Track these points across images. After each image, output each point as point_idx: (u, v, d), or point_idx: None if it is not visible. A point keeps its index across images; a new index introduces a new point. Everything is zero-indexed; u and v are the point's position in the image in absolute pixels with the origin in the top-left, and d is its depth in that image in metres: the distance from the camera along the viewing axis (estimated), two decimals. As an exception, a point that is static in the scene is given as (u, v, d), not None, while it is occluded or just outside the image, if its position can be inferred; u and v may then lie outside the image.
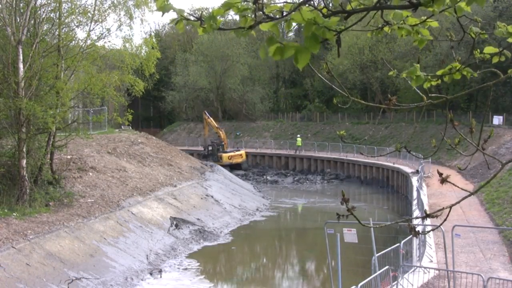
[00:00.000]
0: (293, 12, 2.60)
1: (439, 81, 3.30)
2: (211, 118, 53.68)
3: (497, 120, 41.94)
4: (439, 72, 3.31)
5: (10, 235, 17.54)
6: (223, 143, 50.75)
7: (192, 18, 2.75)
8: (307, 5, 2.66)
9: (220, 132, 51.63)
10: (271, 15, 2.71)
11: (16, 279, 15.50)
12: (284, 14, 2.66)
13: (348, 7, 2.77)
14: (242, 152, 51.08)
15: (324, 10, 2.72)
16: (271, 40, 2.59)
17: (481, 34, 3.28)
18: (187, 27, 2.79)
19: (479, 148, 2.95)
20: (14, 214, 19.49)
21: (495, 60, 3.29)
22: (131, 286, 18.15)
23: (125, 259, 19.93)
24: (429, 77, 3.26)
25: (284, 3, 2.75)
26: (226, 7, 2.66)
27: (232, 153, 49.69)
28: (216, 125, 52.86)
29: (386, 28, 3.11)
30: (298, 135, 55.51)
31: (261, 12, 2.63)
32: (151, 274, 19.60)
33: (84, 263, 18.23)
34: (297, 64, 2.54)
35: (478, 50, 3.38)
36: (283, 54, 2.58)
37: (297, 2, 2.71)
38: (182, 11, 2.71)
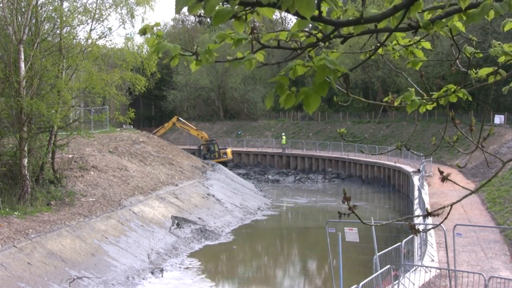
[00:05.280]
0: (300, 59, 2.56)
1: (435, 104, 3.28)
2: (184, 121, 54.42)
3: (498, 119, 41.85)
4: (435, 95, 3.29)
5: (12, 234, 17.56)
6: (215, 141, 51.72)
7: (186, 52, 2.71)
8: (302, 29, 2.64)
9: (203, 134, 52.95)
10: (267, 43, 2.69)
11: (18, 278, 15.53)
12: (289, 61, 2.63)
13: (345, 31, 2.74)
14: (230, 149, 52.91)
15: (319, 35, 2.70)
16: (281, 88, 2.54)
17: (476, 53, 3.27)
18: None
19: (478, 146, 2.95)
20: (15, 213, 19.52)
21: (491, 79, 3.28)
22: (132, 285, 18.16)
23: (126, 258, 19.95)
24: (424, 101, 3.24)
25: (279, 31, 2.73)
26: (220, 38, 2.65)
27: (230, 149, 51.42)
28: (195, 128, 53.66)
29: (379, 50, 3.09)
30: (283, 133, 56.69)
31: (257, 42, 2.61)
32: (152, 273, 19.61)
33: (85, 262, 18.24)
34: (308, 109, 2.49)
35: (474, 70, 3.37)
36: (295, 100, 2.55)
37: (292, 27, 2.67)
38: (177, 48, 2.68)
